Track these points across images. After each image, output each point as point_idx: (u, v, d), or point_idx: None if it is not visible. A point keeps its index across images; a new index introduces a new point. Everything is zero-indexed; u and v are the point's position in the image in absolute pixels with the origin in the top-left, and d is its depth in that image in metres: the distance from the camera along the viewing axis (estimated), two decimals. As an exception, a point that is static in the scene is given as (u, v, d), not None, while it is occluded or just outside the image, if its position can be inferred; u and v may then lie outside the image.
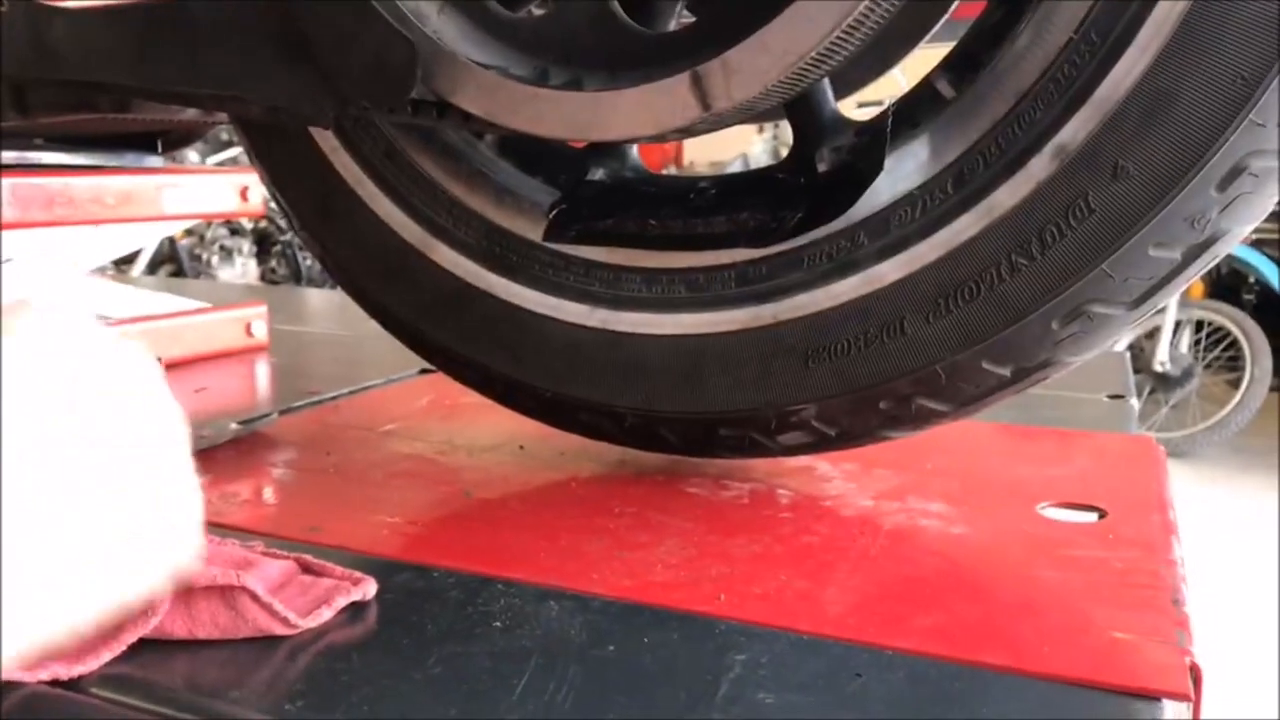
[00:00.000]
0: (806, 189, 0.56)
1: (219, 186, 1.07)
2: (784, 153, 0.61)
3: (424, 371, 0.95)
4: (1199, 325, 4.03)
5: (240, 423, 0.79)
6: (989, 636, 0.44)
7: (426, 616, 0.46)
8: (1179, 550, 0.53)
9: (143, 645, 0.43)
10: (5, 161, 0.96)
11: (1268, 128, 0.46)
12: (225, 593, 0.43)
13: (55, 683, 0.40)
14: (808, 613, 0.46)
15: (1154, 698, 0.39)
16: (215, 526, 0.58)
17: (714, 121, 0.52)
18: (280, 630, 0.44)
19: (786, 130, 0.65)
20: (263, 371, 1.04)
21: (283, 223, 4.69)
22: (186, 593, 0.43)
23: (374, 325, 0.74)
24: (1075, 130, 0.50)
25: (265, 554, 0.51)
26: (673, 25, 0.61)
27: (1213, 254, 0.50)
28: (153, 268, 4.59)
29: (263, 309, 1.11)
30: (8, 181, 0.89)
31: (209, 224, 4.89)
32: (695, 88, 0.50)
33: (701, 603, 0.47)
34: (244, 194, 1.08)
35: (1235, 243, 0.51)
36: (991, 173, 0.52)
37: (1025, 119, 0.51)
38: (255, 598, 0.43)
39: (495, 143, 0.67)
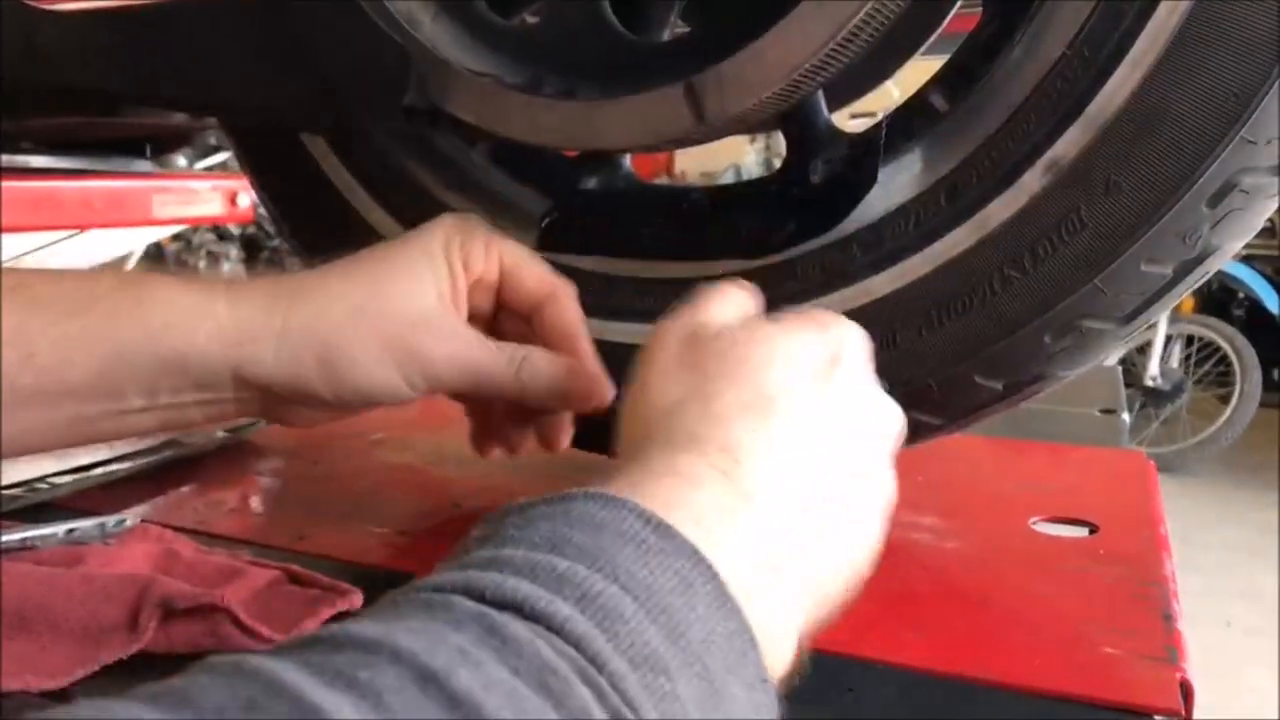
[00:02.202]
0: (799, 200, 0.56)
1: (207, 191, 1.07)
2: (776, 164, 0.61)
3: (414, 380, 0.95)
4: (1189, 340, 4.05)
5: (227, 430, 0.78)
6: (981, 651, 0.44)
7: (414, 628, 0.46)
8: (1170, 566, 0.53)
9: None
10: (-6, 165, 0.95)
11: (1259, 145, 0.46)
12: (207, 613, 0.43)
13: (42, 693, 0.40)
14: (798, 626, 0.46)
15: (1145, 714, 0.39)
16: (201, 535, 0.57)
17: (707, 132, 0.52)
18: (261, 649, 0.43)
19: (779, 141, 0.65)
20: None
21: (271, 229, 4.68)
22: (167, 612, 0.43)
23: (364, 333, 0.74)
24: (1068, 145, 0.50)
25: (251, 563, 0.50)
26: (667, 35, 0.60)
27: (1204, 269, 0.50)
28: (141, 273, 4.56)
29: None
30: (-4, 185, 0.89)
31: (196, 229, 4.87)
32: (689, 98, 0.50)
33: (692, 616, 0.47)
34: (232, 199, 1.08)
35: (1226, 258, 0.51)
36: (984, 187, 0.52)
37: (1018, 133, 0.51)
38: (236, 620, 0.42)
39: (487, 151, 0.67)
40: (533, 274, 0.52)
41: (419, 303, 0.47)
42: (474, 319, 0.51)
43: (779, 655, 0.31)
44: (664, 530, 0.28)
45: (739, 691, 0.27)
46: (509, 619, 0.24)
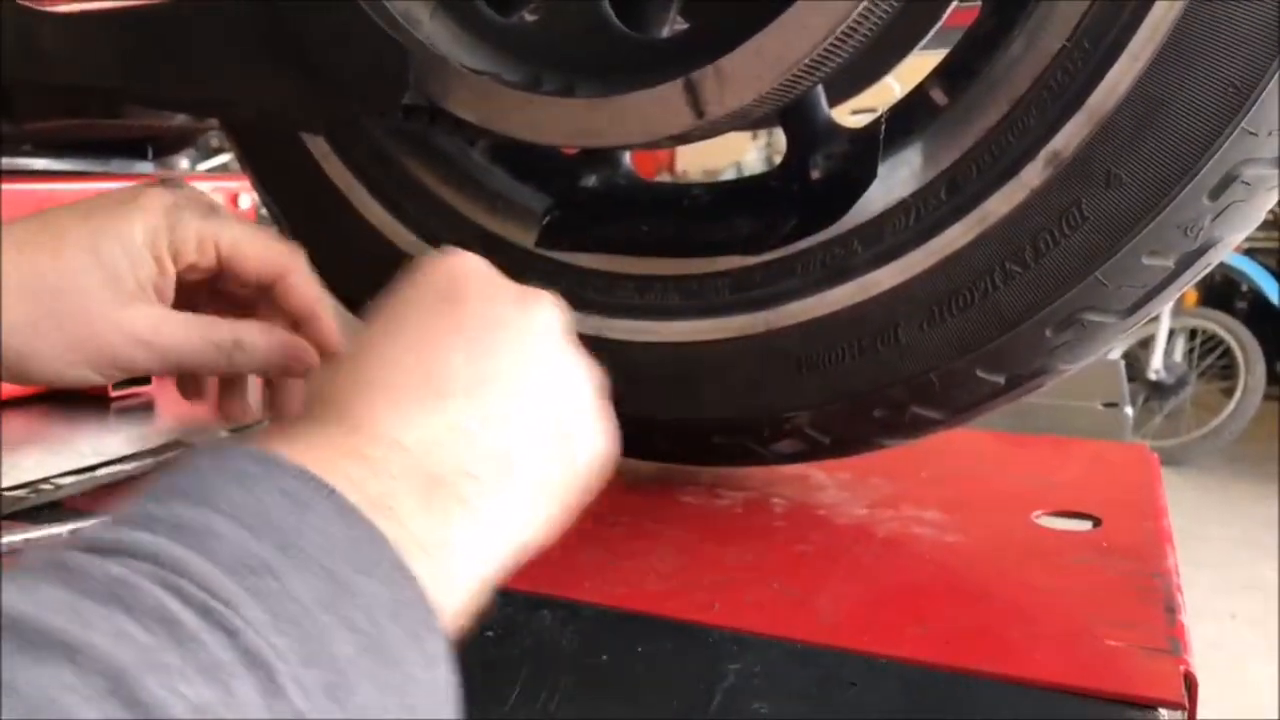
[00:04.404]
0: (800, 196, 0.56)
1: (209, 193, 1.07)
2: (777, 160, 0.61)
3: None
4: (1192, 333, 4.04)
5: (230, 430, 0.78)
6: (984, 644, 0.44)
7: (417, 626, 0.46)
8: (1174, 558, 0.52)
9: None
10: (-5, 167, 0.95)
11: (1260, 136, 0.46)
12: None
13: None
14: (802, 621, 0.46)
15: (1149, 706, 0.39)
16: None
17: (707, 129, 0.52)
18: None
19: (780, 138, 0.65)
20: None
21: (273, 229, 4.67)
22: None
23: (366, 332, 0.74)
24: (1068, 138, 0.50)
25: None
26: (666, 31, 0.60)
27: (1205, 262, 0.50)
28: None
29: (254, 316, 1.10)
30: (-3, 187, 0.89)
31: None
32: (689, 95, 0.50)
33: (695, 611, 0.47)
34: (234, 200, 1.08)
35: (1228, 251, 0.51)
36: (985, 180, 0.52)
37: (1019, 126, 0.51)
38: None
39: (487, 149, 0.67)
40: (255, 256, 0.51)
41: (105, 293, 0.47)
42: (192, 300, 0.51)
43: (443, 570, 0.31)
44: (272, 461, 0.28)
45: (375, 587, 0.27)
46: (78, 555, 0.23)
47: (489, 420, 0.36)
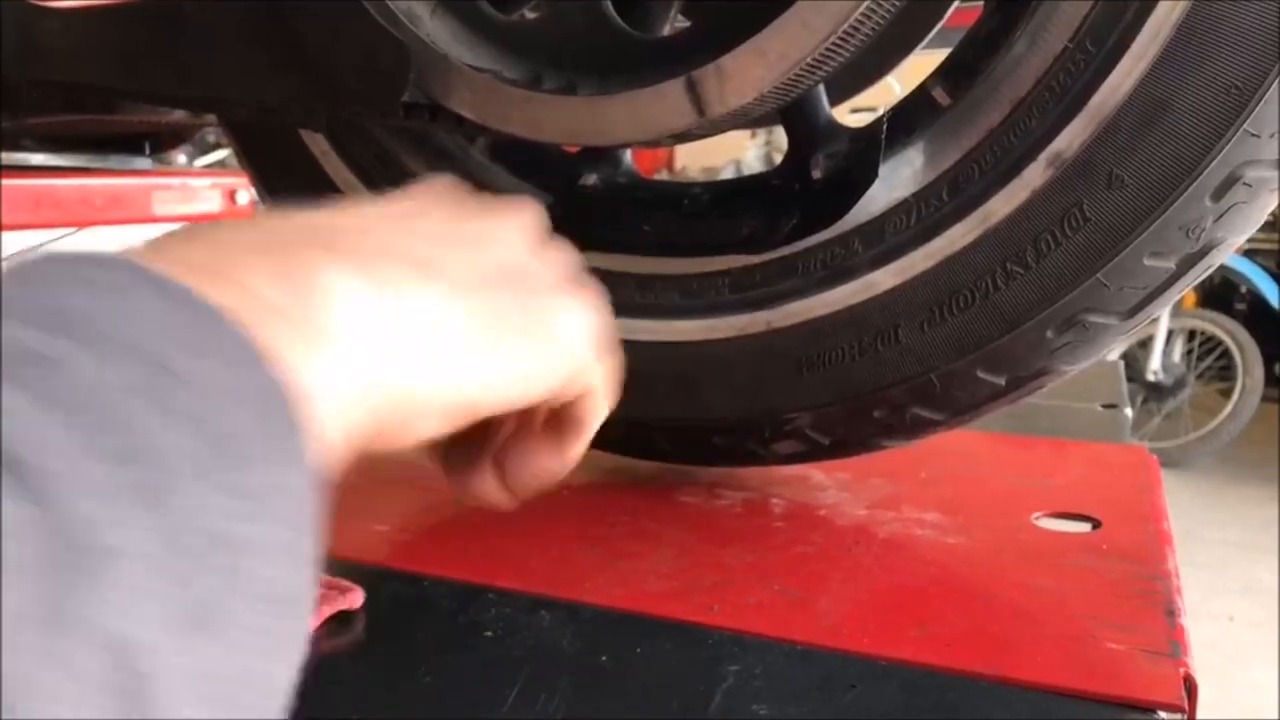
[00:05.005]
0: (801, 195, 0.56)
1: (206, 189, 1.06)
2: (777, 159, 0.61)
3: (415, 377, 0.95)
4: (1191, 335, 4.04)
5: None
6: (983, 646, 0.44)
7: (416, 625, 0.46)
8: (1173, 561, 0.52)
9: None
10: (-7, 163, 0.95)
11: (1262, 138, 0.46)
12: None
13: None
14: (802, 623, 0.46)
15: (1148, 709, 0.39)
16: (202, 533, 0.57)
17: (708, 127, 0.51)
18: None
19: (780, 136, 0.65)
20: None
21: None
22: None
23: (365, 330, 0.74)
24: (1070, 138, 0.49)
25: (253, 561, 0.50)
26: (668, 30, 0.60)
27: (1207, 264, 0.50)
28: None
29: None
30: (-5, 183, 0.88)
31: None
32: (690, 93, 0.50)
33: (695, 613, 0.47)
34: (231, 196, 1.08)
35: (1229, 252, 0.51)
36: (986, 181, 0.52)
37: (1020, 127, 0.51)
38: None
39: (488, 147, 0.67)
40: None
41: None
42: None
43: (320, 356, 0.27)
44: (77, 256, 0.24)
45: (212, 367, 0.22)
46: None
47: (367, 221, 0.33)
